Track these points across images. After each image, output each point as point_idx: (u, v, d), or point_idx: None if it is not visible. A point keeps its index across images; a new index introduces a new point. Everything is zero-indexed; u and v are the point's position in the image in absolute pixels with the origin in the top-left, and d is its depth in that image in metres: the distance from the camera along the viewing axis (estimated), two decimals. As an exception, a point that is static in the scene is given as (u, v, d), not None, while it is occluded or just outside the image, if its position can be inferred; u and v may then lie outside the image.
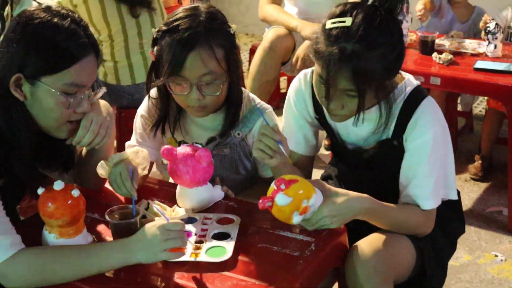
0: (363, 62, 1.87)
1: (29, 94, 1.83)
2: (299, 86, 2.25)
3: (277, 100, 4.65)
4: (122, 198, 2.14)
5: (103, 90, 1.98)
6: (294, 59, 3.69)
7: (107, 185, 2.18)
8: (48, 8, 1.87)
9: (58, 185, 1.85)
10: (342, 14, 1.93)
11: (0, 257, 1.71)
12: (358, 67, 1.87)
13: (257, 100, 2.35)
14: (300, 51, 3.66)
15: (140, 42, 3.56)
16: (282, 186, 1.82)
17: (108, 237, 1.95)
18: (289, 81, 4.15)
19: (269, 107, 2.34)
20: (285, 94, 4.06)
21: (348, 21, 1.90)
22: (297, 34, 3.85)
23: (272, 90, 4.04)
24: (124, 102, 3.53)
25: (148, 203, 2.07)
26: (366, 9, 1.93)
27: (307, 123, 2.28)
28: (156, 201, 2.10)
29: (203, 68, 2.10)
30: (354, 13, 1.92)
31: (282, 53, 3.88)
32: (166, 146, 2.07)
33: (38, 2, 3.20)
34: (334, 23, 1.92)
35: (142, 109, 2.35)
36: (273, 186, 1.86)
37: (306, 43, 3.63)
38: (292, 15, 3.97)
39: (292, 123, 2.30)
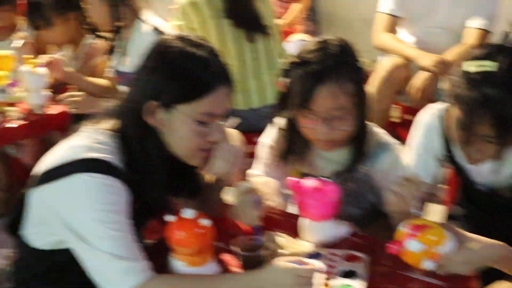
0: (506, 108, 1.81)
1: (164, 121, 1.85)
2: (430, 122, 2.21)
3: (388, 129, 4.57)
4: (246, 227, 2.13)
5: (237, 120, 1.99)
6: (413, 90, 3.62)
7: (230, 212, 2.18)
8: (184, 37, 1.89)
9: (188, 213, 1.86)
10: (485, 57, 1.88)
11: (131, 283, 1.72)
12: (500, 114, 1.81)
13: (383, 133, 2.32)
14: (419, 82, 3.59)
15: (256, 68, 3.58)
16: (414, 232, 1.78)
17: (234, 267, 1.94)
18: (404, 111, 4.07)
19: (395, 142, 2.30)
20: (396, 123, 4.02)
21: (492, 65, 1.84)
22: (413, 64, 3.78)
23: (386, 119, 3.98)
24: (239, 126, 3.54)
25: (273, 235, 2.06)
26: (510, 53, 1.87)
27: (434, 159, 2.24)
28: (281, 233, 2.08)
29: (332, 102, 2.08)
30: (499, 57, 1.86)
31: (398, 82, 3.82)
32: (293, 178, 2.06)
33: (155, 27, 3.24)
34: (476, 66, 1.86)
35: (269, 138, 2.35)
36: (403, 230, 1.82)
37: (425, 74, 3.57)
38: (408, 44, 3.91)
39: (417, 158, 2.26)
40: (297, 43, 4.12)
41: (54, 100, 3.35)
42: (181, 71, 1.82)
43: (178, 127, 1.85)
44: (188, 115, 1.83)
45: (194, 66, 1.83)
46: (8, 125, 3.13)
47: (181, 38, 1.88)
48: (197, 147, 1.89)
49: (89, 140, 1.86)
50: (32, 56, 3.35)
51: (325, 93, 2.07)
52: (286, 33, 4.49)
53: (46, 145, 3.45)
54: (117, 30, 3.37)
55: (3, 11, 3.84)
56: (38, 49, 3.76)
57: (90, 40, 3.70)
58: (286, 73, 2.19)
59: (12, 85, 3.15)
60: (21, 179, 4.05)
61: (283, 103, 2.21)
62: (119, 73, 3.44)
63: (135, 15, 3.29)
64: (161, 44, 1.89)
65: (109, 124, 1.92)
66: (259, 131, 2.65)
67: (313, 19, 5.10)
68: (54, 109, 3.29)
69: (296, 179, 2.05)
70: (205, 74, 1.83)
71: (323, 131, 2.12)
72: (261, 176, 2.31)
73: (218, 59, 1.88)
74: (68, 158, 1.81)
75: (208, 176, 2.13)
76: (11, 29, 3.88)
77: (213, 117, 1.87)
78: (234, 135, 2.03)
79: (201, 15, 3.55)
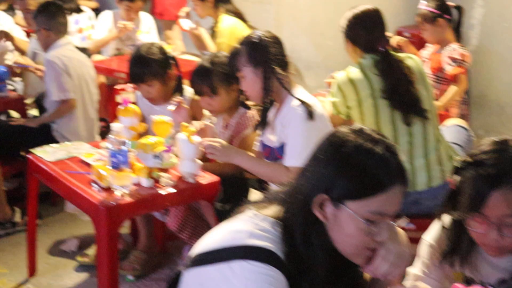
0: None
1: (331, 216, 1.78)
2: None
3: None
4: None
5: (406, 220, 1.89)
6: None
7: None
8: (361, 131, 1.82)
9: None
10: None
11: None
12: None
13: None
14: None
15: (410, 152, 3.48)
16: None
17: None
18: None
19: None
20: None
21: None
22: None
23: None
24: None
25: None
26: None
27: None
28: None
29: (506, 209, 1.95)
30: None
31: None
32: (459, 285, 1.93)
33: (304, 103, 3.18)
34: None
35: (430, 237, 2.24)
36: None
37: None
38: None
39: None
40: (453, 128, 3.98)
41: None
42: (356, 167, 1.75)
43: (345, 224, 1.77)
44: (358, 213, 1.75)
45: (370, 163, 1.75)
46: (159, 191, 3.15)
47: (357, 132, 1.81)
48: (362, 245, 1.80)
49: (251, 225, 1.81)
50: (188, 123, 3.39)
51: (499, 198, 1.94)
52: (441, 116, 4.35)
53: (192, 213, 3.46)
54: (268, 104, 3.36)
55: (153, 83, 3.90)
56: (194, 115, 3.80)
57: (242, 111, 3.70)
58: (457, 171, 2.08)
59: (167, 151, 3.18)
60: (162, 243, 4.11)
61: (451, 201, 2.09)
62: (265, 147, 3.41)
63: (286, 89, 3.26)
64: (336, 135, 1.83)
65: (272, 210, 1.87)
66: (407, 216, 2.53)
67: (466, 102, 4.93)
68: (205, 179, 3.28)
69: (462, 286, 1.92)
70: (381, 172, 1.75)
71: (494, 237, 1.98)
72: (419, 278, 2.19)
73: (396, 156, 1.80)
74: (228, 243, 1.78)
75: (368, 275, 2.03)
76: (170, 95, 3.94)
77: (382, 217, 1.78)
78: (402, 236, 1.92)
79: (358, 94, 3.50)
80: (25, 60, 5.37)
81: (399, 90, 3.48)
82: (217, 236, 1.85)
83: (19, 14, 6.90)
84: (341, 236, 1.80)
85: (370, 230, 1.77)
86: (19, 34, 5.84)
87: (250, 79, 3.27)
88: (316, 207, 1.78)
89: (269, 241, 1.77)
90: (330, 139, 1.83)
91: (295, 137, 3.16)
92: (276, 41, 3.30)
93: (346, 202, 1.76)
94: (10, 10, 7.13)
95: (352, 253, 1.82)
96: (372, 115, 3.50)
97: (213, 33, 5.82)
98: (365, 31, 3.59)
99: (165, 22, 7.49)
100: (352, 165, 1.76)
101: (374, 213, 1.76)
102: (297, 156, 3.13)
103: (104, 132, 5.06)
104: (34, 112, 5.66)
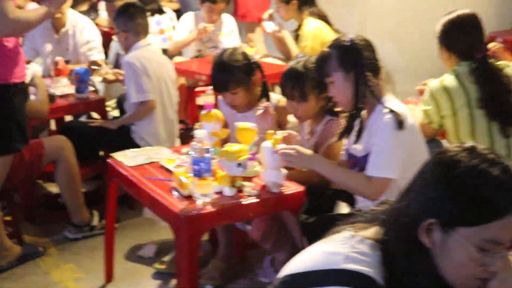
0: None
1: (439, 242, 1.62)
2: None
3: None
4: None
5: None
6: None
7: None
8: (473, 150, 1.65)
9: None
10: None
11: None
12: None
13: None
14: None
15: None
16: None
17: None
18: None
19: None
20: None
21: None
22: None
23: None
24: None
25: None
26: None
27: None
28: None
29: None
30: None
31: None
32: None
33: (393, 111, 3.00)
34: None
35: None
36: None
37: None
38: None
39: None
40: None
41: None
42: (470, 191, 1.58)
43: (454, 251, 1.61)
44: (469, 240, 1.59)
45: (486, 187, 1.58)
46: (241, 201, 3.02)
47: (469, 150, 1.64)
48: (473, 276, 1.63)
49: (347, 248, 1.67)
50: (274, 129, 3.26)
51: None
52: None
53: (276, 223, 3.34)
54: (357, 111, 3.19)
55: (237, 91, 3.75)
56: (279, 121, 3.68)
57: (329, 118, 3.55)
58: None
59: (251, 159, 3.05)
60: (242, 253, 3.99)
61: None
62: (350, 157, 3.24)
63: (376, 98, 3.07)
64: (446, 154, 1.66)
65: (371, 232, 1.72)
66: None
67: None
68: (289, 189, 3.14)
69: None
70: (498, 197, 1.57)
71: None
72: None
73: None
74: (323, 266, 1.65)
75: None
76: (254, 102, 3.82)
77: (497, 246, 1.61)
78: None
79: (453, 103, 3.33)
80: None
81: (498, 100, 3.30)
82: (310, 258, 1.72)
83: (102, 15, 6.92)
84: (449, 264, 1.64)
85: (482, 260, 1.61)
86: (98, 50, 5.77)
87: (340, 85, 3.10)
88: (423, 232, 1.63)
89: (367, 266, 1.63)
90: (439, 158, 1.66)
91: (381, 146, 2.98)
92: (368, 45, 3.14)
93: (457, 228, 1.60)
94: (92, 10, 7.14)
95: (461, 283, 1.66)
96: (467, 125, 3.32)
97: (296, 36, 5.67)
98: (461, 37, 3.41)
99: (247, 24, 7.39)
100: (465, 189, 1.59)
101: (488, 242, 1.59)
102: (380, 166, 2.96)
103: (184, 135, 4.98)
104: (115, 113, 5.62)
